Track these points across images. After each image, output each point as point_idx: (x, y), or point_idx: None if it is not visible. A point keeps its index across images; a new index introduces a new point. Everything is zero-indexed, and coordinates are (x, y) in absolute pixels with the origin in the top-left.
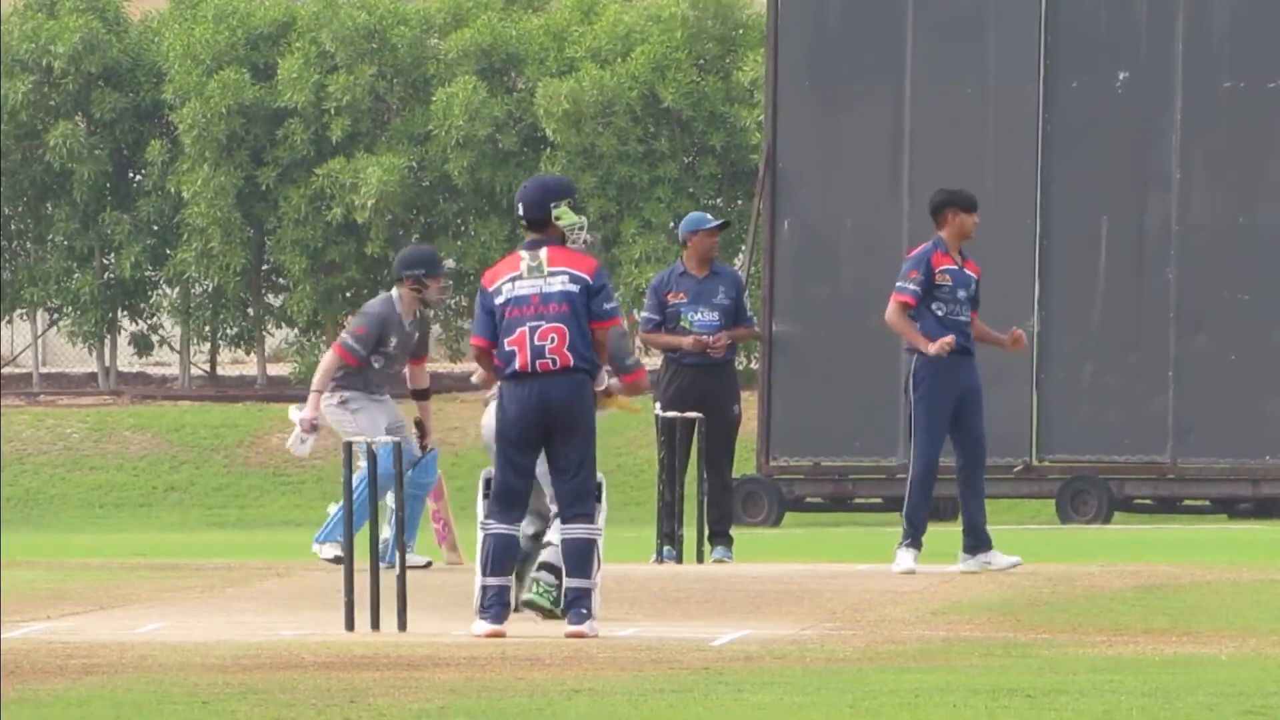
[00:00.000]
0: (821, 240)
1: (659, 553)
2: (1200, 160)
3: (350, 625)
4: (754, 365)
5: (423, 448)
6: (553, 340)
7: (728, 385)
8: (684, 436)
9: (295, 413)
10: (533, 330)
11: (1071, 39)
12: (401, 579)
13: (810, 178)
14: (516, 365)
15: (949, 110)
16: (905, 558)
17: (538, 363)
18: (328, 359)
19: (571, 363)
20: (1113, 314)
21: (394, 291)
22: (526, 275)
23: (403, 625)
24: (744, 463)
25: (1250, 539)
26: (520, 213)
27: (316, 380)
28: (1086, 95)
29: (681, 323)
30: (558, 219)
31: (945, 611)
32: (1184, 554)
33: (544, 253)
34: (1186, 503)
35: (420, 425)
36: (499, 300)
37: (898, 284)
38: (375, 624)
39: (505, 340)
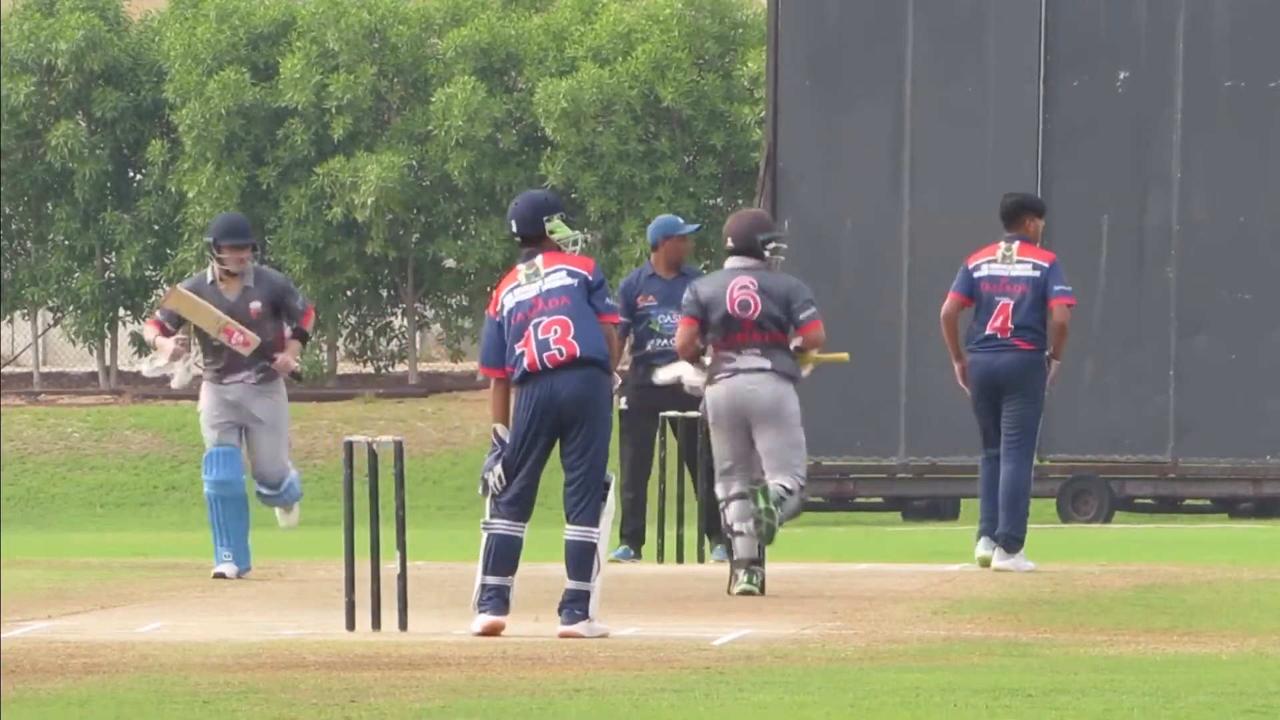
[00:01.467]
0: (822, 240)
1: (624, 552)
2: (1201, 159)
3: (351, 625)
4: None
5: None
6: (556, 332)
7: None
8: (650, 435)
9: (151, 368)
10: (536, 326)
11: (1072, 39)
12: (402, 579)
13: (811, 177)
14: (525, 365)
15: (949, 110)
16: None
17: (545, 356)
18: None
19: (579, 352)
20: (1113, 313)
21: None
22: (525, 282)
23: (404, 625)
24: None
25: (1251, 538)
26: (514, 229)
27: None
28: (1087, 95)
29: (650, 325)
30: (551, 233)
31: (946, 611)
32: (1185, 553)
33: (539, 259)
34: (1187, 502)
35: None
36: (502, 314)
37: (1062, 288)
38: (376, 623)
39: (515, 345)
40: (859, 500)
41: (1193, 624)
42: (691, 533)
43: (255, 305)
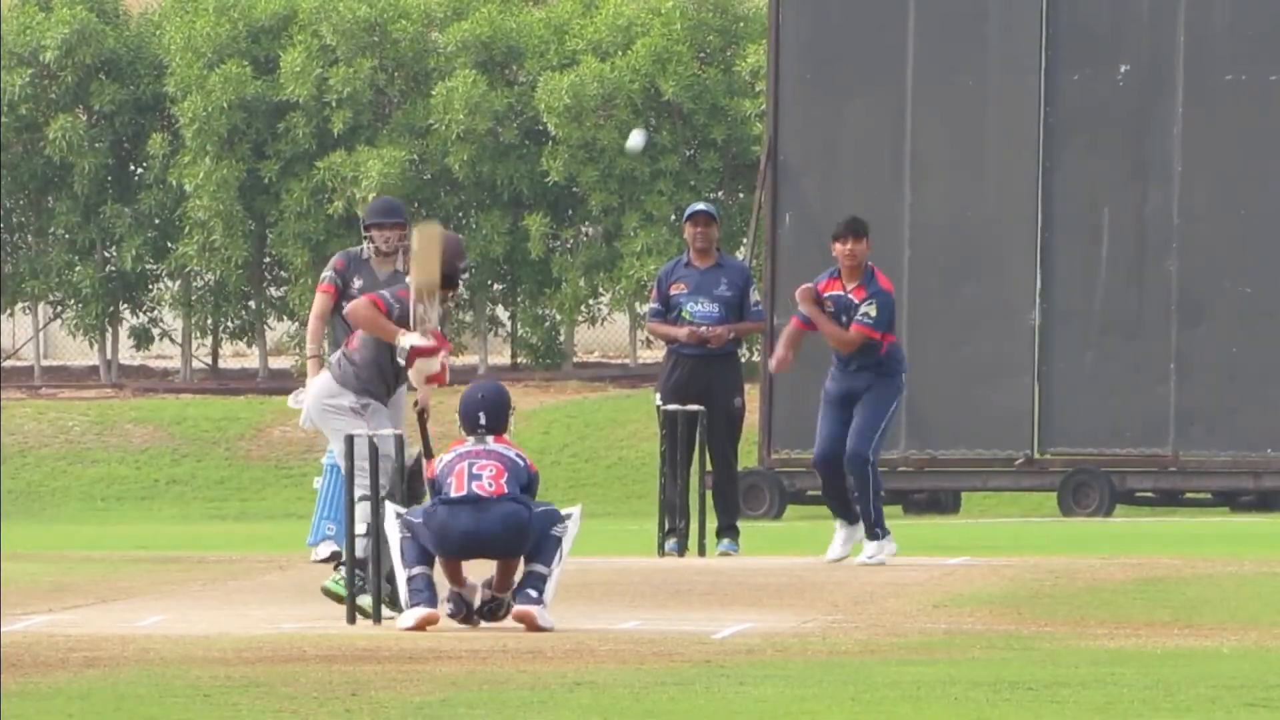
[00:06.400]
0: (823, 233)
1: (661, 546)
2: (1201, 153)
3: (352, 618)
4: (756, 358)
5: None
6: (491, 470)
7: (729, 377)
8: (686, 429)
9: (295, 400)
10: (471, 464)
11: (1073, 32)
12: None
13: (812, 170)
14: (452, 490)
15: (950, 103)
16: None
17: (474, 485)
18: (314, 303)
19: (505, 492)
20: (1114, 306)
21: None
22: (472, 445)
23: None
24: (746, 455)
25: (1252, 531)
26: (481, 422)
27: (311, 334)
28: (1088, 88)
29: (682, 314)
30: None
31: (947, 604)
32: (1186, 547)
33: (490, 437)
34: (1188, 495)
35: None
36: (440, 465)
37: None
38: (377, 617)
39: (447, 479)
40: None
41: (1194, 617)
42: (692, 526)
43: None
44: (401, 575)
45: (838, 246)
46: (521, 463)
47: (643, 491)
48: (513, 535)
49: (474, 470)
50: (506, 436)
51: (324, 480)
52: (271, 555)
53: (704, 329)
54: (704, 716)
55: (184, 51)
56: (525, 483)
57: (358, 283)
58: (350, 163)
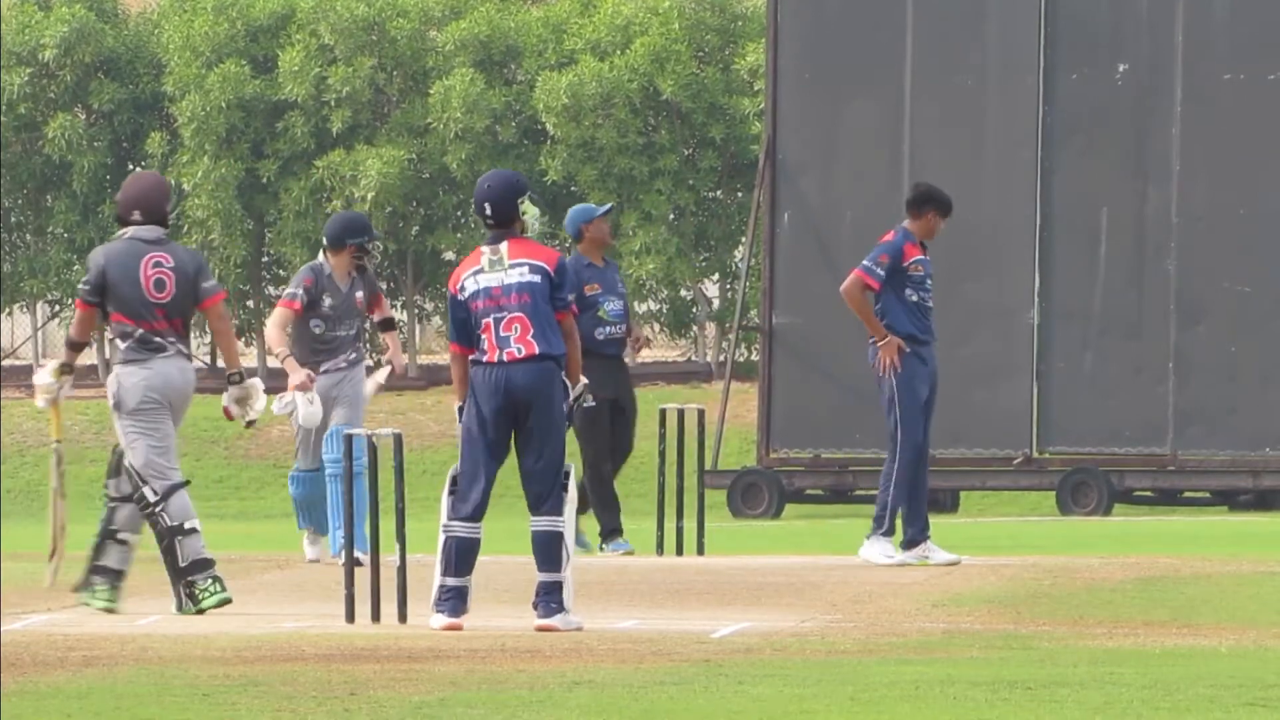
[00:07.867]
0: (822, 232)
1: (604, 547)
2: (1200, 152)
3: (351, 617)
4: (754, 357)
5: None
6: (516, 330)
7: (627, 376)
8: (605, 425)
9: (280, 405)
10: (497, 322)
11: (1072, 31)
12: (402, 571)
13: (810, 170)
14: (485, 356)
15: (949, 102)
16: (885, 547)
17: (504, 352)
18: (275, 315)
19: (537, 350)
20: (1113, 305)
21: (322, 257)
22: (488, 269)
23: (403, 617)
24: (745, 454)
25: (1250, 531)
26: (488, 213)
27: (274, 341)
28: (1087, 87)
29: (599, 312)
30: (524, 214)
31: (946, 604)
32: (1184, 546)
33: (504, 246)
34: (1187, 495)
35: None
36: (464, 296)
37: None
38: (376, 616)
39: (478, 331)
40: (859, 492)
41: (1192, 616)
42: (691, 525)
43: (367, 292)
44: (436, 579)
45: (942, 222)
46: (539, 278)
47: (641, 491)
48: (543, 382)
49: (501, 331)
50: (520, 231)
51: (328, 489)
52: (270, 554)
53: (642, 334)
54: (703, 716)
55: (182, 51)
56: (550, 291)
57: (328, 300)
58: (349, 162)
